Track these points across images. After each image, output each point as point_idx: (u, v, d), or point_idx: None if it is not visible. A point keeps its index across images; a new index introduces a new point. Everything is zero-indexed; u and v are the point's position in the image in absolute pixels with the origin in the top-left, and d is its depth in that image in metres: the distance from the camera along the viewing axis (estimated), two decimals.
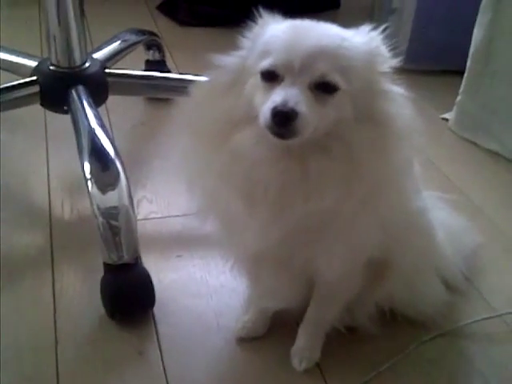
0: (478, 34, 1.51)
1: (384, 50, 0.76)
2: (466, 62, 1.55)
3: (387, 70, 0.76)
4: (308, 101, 0.70)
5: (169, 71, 1.66)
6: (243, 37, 0.78)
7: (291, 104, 0.68)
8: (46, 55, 1.28)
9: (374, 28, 0.77)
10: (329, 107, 0.71)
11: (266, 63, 0.72)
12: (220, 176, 0.77)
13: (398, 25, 1.83)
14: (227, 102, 0.76)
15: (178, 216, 1.23)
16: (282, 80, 0.71)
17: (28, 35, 1.86)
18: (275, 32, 0.74)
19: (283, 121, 0.68)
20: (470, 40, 1.53)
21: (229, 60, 0.78)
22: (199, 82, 0.82)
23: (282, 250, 0.80)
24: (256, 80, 0.73)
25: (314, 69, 0.70)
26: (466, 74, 1.56)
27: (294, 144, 0.72)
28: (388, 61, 0.76)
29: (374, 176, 0.74)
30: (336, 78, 0.70)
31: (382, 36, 0.76)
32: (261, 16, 0.78)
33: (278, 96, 0.69)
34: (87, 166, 1.02)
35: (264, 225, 0.76)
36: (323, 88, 0.71)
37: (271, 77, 0.71)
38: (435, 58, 1.81)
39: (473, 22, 1.52)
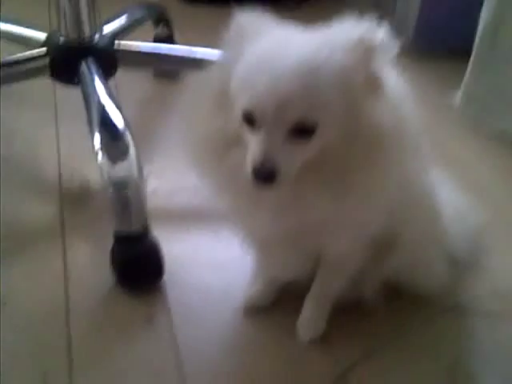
0: (485, 14, 1.50)
1: (368, 58, 0.69)
2: (472, 44, 1.54)
3: (370, 77, 0.70)
4: (287, 148, 0.68)
5: None
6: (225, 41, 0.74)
7: (270, 164, 0.67)
8: (54, 28, 1.27)
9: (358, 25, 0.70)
10: (309, 145, 0.70)
11: (242, 106, 0.70)
12: (222, 183, 0.80)
13: (406, 7, 1.83)
14: (217, 122, 0.75)
15: (185, 190, 1.24)
16: (260, 126, 0.69)
17: (35, 8, 1.84)
18: (249, 66, 0.70)
19: (264, 181, 0.69)
20: (477, 21, 1.52)
21: (213, 72, 0.76)
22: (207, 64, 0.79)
23: (290, 236, 0.82)
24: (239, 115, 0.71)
25: (288, 116, 0.67)
26: (472, 56, 1.55)
27: None
28: (373, 66, 0.70)
29: (368, 187, 0.74)
30: (312, 120, 0.68)
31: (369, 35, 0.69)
32: (237, 20, 0.73)
33: (257, 152, 0.68)
34: (97, 137, 1.02)
35: (269, 221, 0.78)
36: (301, 131, 0.68)
37: (250, 120, 0.70)
38: (442, 40, 1.81)
39: (480, 2, 1.51)
